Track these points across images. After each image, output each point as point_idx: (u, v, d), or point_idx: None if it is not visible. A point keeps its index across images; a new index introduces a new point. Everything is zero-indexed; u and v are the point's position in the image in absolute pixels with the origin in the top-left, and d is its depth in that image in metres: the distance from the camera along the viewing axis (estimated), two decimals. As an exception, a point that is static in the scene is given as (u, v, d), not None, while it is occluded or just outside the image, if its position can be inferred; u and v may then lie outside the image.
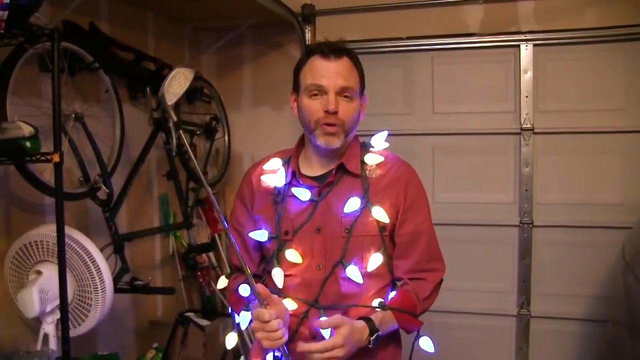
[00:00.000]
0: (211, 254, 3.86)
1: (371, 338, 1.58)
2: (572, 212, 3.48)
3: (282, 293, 1.69)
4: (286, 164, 1.79)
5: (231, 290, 1.82)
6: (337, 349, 1.51)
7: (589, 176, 3.47)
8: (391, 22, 3.72)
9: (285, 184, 1.75)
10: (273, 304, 1.56)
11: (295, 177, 1.75)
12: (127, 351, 3.26)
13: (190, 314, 3.33)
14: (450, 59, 3.67)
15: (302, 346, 1.54)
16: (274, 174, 1.77)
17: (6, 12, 1.75)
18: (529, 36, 3.47)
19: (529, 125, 3.49)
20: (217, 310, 3.79)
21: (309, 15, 3.79)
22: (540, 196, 3.55)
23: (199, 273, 3.69)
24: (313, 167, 1.76)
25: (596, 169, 3.46)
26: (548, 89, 3.50)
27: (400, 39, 3.70)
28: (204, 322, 3.31)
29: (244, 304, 1.70)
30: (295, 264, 1.69)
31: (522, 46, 3.49)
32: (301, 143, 1.83)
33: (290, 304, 1.66)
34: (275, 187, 1.76)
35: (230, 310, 1.84)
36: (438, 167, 3.67)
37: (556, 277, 3.53)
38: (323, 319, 1.58)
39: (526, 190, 3.54)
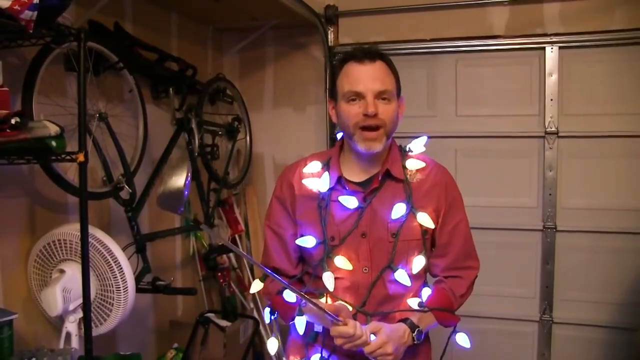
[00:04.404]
0: (232, 255, 3.86)
1: (414, 335, 1.64)
2: (597, 217, 3.43)
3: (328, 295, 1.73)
4: (326, 166, 1.79)
5: (272, 294, 1.81)
6: (384, 345, 1.58)
7: (615, 181, 3.41)
8: (415, 24, 3.69)
9: (329, 189, 1.75)
10: (345, 315, 1.60)
11: (341, 182, 1.76)
12: (147, 351, 3.26)
13: (211, 315, 3.33)
14: (474, 61, 3.63)
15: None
16: (317, 179, 1.77)
17: (35, 13, 1.75)
18: (554, 38, 3.42)
19: (553, 129, 3.44)
20: (237, 311, 3.78)
21: (332, 17, 3.78)
22: (564, 200, 3.50)
23: (219, 274, 3.68)
24: (354, 172, 1.77)
25: (622, 173, 3.40)
26: (573, 92, 3.45)
27: (424, 40, 3.67)
28: (224, 323, 3.30)
29: (294, 309, 1.72)
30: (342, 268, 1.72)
31: (548, 48, 3.44)
32: (341, 147, 1.83)
33: None
34: (318, 191, 1.76)
35: (270, 316, 1.81)
36: (460, 170, 3.61)
37: (580, 283, 3.48)
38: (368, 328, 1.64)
39: (550, 194, 3.49)
